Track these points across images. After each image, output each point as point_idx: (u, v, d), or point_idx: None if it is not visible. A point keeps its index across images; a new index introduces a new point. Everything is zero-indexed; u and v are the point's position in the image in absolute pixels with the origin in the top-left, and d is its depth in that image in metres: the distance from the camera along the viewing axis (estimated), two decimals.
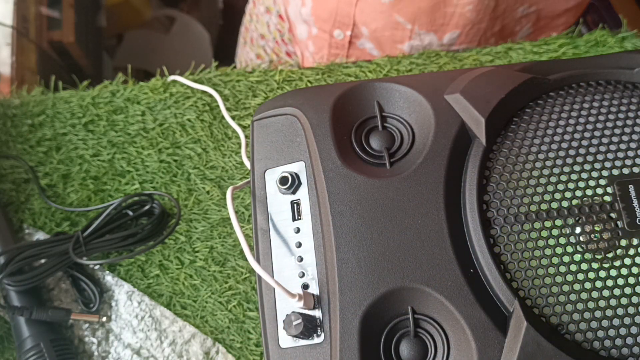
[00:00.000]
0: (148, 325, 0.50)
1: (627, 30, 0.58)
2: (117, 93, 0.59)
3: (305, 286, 0.36)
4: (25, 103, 0.59)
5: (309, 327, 0.34)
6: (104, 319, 0.50)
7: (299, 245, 0.37)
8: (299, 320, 0.34)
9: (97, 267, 0.52)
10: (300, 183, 0.38)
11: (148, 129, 0.57)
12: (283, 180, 0.38)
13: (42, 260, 0.49)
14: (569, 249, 0.33)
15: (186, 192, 0.54)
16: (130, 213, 0.51)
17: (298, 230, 0.37)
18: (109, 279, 0.52)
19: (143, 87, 0.59)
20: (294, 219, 0.38)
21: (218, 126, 0.56)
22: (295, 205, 0.38)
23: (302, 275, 0.36)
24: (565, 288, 0.32)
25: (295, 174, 0.38)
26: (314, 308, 0.35)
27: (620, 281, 0.32)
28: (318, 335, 0.34)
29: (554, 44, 0.57)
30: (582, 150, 0.35)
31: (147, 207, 0.51)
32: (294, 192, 0.38)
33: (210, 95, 0.57)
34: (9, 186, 0.56)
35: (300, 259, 0.37)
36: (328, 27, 0.70)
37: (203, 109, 0.57)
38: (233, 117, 0.56)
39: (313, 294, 0.36)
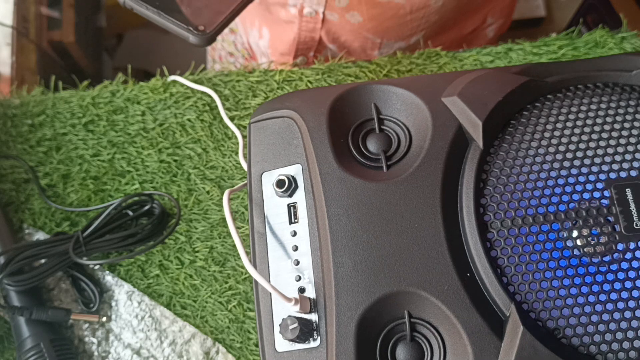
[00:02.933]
0: (148, 325, 0.50)
1: (627, 30, 0.58)
2: (117, 93, 0.59)
3: (301, 290, 0.36)
4: (25, 103, 0.59)
5: (305, 331, 0.34)
6: (104, 319, 0.50)
7: (296, 248, 0.37)
8: (295, 325, 0.34)
9: (97, 267, 0.52)
10: (297, 186, 0.38)
11: (148, 129, 0.57)
12: (280, 183, 0.38)
13: (42, 260, 0.49)
14: (566, 252, 0.33)
15: (186, 192, 0.54)
16: (130, 213, 0.51)
17: (295, 234, 0.37)
18: (109, 279, 0.52)
19: (143, 87, 0.59)
20: (290, 222, 0.38)
21: (218, 126, 0.56)
22: (292, 208, 0.38)
23: (299, 278, 0.36)
24: (562, 292, 0.32)
25: (292, 176, 0.38)
26: (311, 312, 0.35)
27: (617, 285, 0.32)
28: (314, 339, 0.34)
29: (554, 45, 0.57)
30: (579, 154, 0.35)
31: (147, 207, 0.51)
32: (290, 195, 0.38)
33: (210, 95, 0.57)
34: (9, 186, 0.56)
35: (297, 263, 0.37)
36: (289, 58, 0.70)
37: (203, 109, 0.57)
38: (233, 117, 0.56)
39: (309, 298, 0.35)
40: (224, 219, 0.53)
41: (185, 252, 0.52)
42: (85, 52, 1.07)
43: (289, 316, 0.34)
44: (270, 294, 0.36)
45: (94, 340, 0.50)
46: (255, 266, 0.38)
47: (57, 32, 1.00)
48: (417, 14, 0.63)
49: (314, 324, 0.35)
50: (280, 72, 0.58)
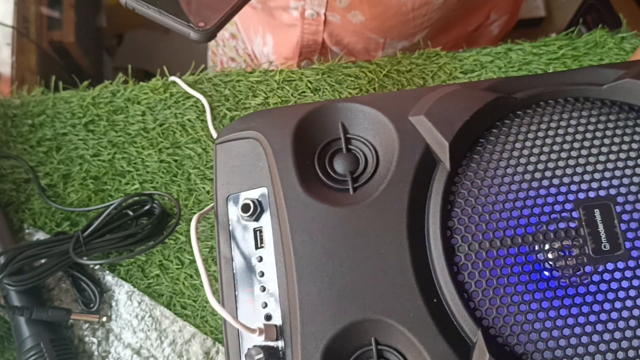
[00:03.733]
0: (148, 325, 0.50)
1: (627, 30, 0.58)
2: (117, 93, 0.59)
3: (268, 317, 0.35)
4: (25, 103, 0.59)
5: None
6: (104, 319, 0.50)
7: (262, 274, 0.36)
8: (260, 355, 0.33)
9: (97, 267, 0.52)
10: (263, 210, 0.37)
11: (148, 129, 0.57)
12: (245, 208, 0.37)
13: (42, 260, 0.49)
14: (534, 276, 0.32)
15: (186, 192, 0.54)
16: (131, 213, 0.51)
17: (261, 259, 0.37)
18: (109, 279, 0.52)
19: (143, 87, 0.59)
20: (256, 247, 0.37)
21: (218, 126, 0.56)
22: (258, 232, 0.37)
23: (265, 305, 0.36)
24: (530, 317, 0.31)
25: (258, 200, 0.37)
26: (277, 339, 0.34)
27: (585, 309, 0.32)
28: None
29: (554, 45, 0.57)
30: (548, 173, 0.34)
31: (147, 207, 0.51)
32: (256, 219, 0.37)
33: (211, 95, 0.57)
34: (9, 186, 0.56)
35: (263, 289, 0.36)
36: (293, 62, 0.70)
37: (203, 109, 0.57)
38: (233, 117, 0.56)
39: (276, 325, 0.35)
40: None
41: (185, 252, 0.52)
42: (85, 52, 1.07)
43: (254, 346, 0.34)
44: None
45: (94, 340, 0.50)
46: (222, 292, 0.37)
47: (57, 32, 1.00)
48: (420, 12, 0.62)
49: (281, 352, 0.34)
50: (280, 72, 0.58)
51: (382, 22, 0.63)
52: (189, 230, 0.53)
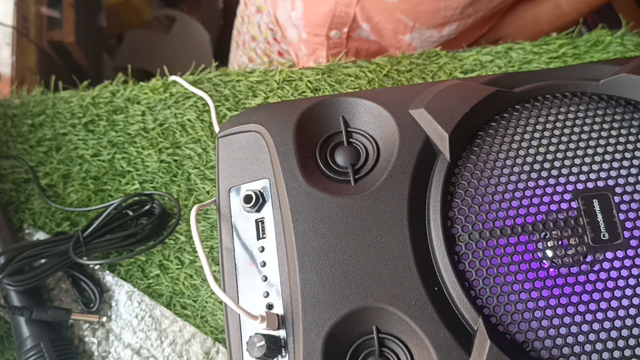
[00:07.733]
0: (148, 325, 0.50)
1: (627, 30, 0.58)
2: (117, 93, 0.59)
3: (269, 306, 0.36)
4: (25, 103, 0.59)
5: (273, 348, 0.34)
6: (104, 319, 0.50)
7: (264, 264, 0.37)
8: (262, 342, 0.33)
9: (97, 267, 0.52)
10: (264, 201, 0.38)
11: (148, 129, 0.57)
12: (247, 199, 0.38)
13: (42, 260, 0.49)
14: (534, 265, 0.33)
15: (186, 192, 0.54)
16: (131, 213, 0.51)
17: (262, 249, 0.37)
18: (109, 279, 0.52)
19: (143, 87, 0.59)
20: (258, 238, 0.37)
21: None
22: (259, 223, 0.38)
23: (267, 295, 0.36)
24: (530, 305, 0.32)
25: (260, 191, 0.38)
26: (279, 328, 0.35)
27: (585, 297, 0.32)
28: (283, 356, 0.34)
29: (554, 44, 0.57)
30: (546, 165, 0.34)
31: (147, 207, 0.51)
32: (258, 210, 0.38)
33: (212, 95, 0.57)
34: (9, 186, 0.56)
35: (265, 279, 0.36)
36: (323, 30, 0.70)
37: (203, 109, 0.57)
38: None
39: (277, 314, 0.35)
40: None
41: (185, 252, 0.52)
42: (85, 52, 1.07)
43: (256, 334, 0.34)
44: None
45: (94, 340, 0.50)
46: (223, 282, 0.37)
47: (57, 32, 1.00)
48: (451, 2, 0.63)
49: (282, 340, 0.34)
50: (280, 72, 0.58)
51: (414, 5, 0.63)
52: (189, 230, 0.53)
